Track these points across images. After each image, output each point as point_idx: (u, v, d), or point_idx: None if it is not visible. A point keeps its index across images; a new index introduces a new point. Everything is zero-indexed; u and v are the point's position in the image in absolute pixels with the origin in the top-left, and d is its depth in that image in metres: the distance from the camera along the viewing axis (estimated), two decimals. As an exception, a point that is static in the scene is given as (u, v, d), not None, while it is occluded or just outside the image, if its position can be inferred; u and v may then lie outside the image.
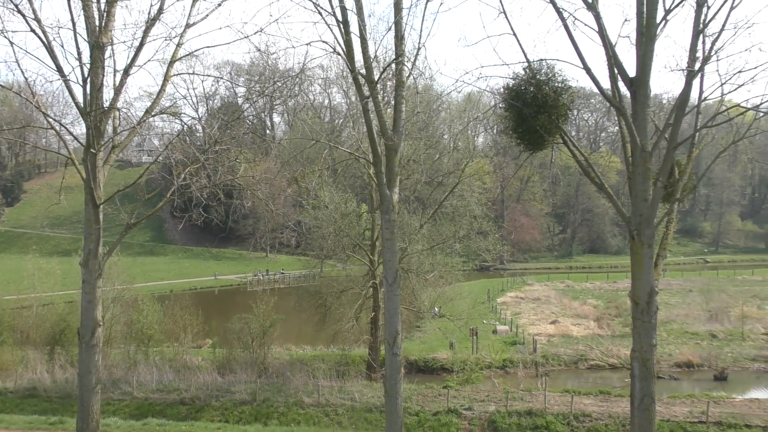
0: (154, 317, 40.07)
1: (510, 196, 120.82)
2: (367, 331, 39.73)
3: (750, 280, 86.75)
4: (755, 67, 16.09)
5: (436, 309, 47.89)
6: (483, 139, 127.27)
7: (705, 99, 17.65)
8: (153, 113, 17.90)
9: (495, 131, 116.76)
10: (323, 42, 16.34)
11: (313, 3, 16.30)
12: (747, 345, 48.23)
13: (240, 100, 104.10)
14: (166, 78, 17.42)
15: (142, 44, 17.06)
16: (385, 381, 18.92)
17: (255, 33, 16.40)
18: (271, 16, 15.16)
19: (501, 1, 16.53)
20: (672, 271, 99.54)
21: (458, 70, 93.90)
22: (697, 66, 16.44)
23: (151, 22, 16.21)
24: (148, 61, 17.37)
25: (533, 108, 16.96)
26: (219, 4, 17.32)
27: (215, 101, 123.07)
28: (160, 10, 16.34)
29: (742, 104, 17.51)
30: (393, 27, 17.61)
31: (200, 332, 42.98)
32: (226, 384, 34.81)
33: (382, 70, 17.88)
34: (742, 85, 16.67)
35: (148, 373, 35.57)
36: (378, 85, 17.99)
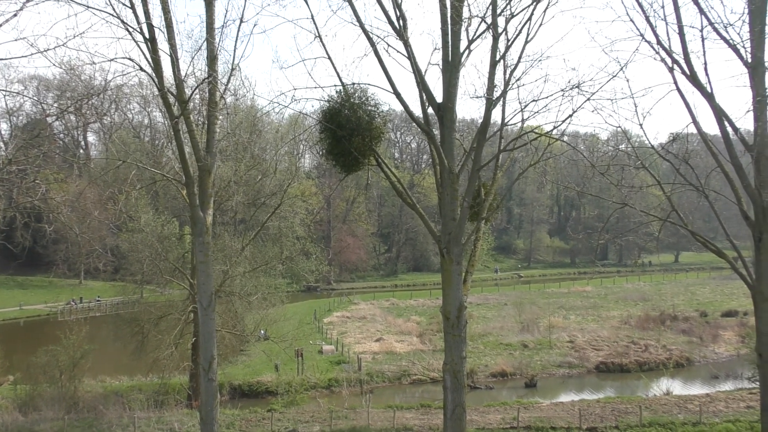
0: (-59, 356, 36.17)
1: (336, 216, 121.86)
2: (189, 357, 38.38)
3: (557, 292, 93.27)
4: (547, 97, 17.56)
5: (262, 331, 47.22)
6: (309, 161, 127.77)
7: (507, 124, 18.84)
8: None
9: (320, 153, 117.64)
10: (129, 59, 15.74)
11: (120, 19, 15.68)
12: (554, 353, 51.87)
13: (49, 118, 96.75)
14: (-50, 91, 15.90)
15: None
16: (201, 407, 18.39)
17: (55, 47, 15.37)
18: (68, 29, 14.28)
19: (316, 26, 16.79)
20: (489, 286, 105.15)
21: (275, 92, 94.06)
22: (497, 94, 17.61)
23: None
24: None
25: (347, 131, 17.32)
26: (14, 15, 16.09)
27: (20, 118, 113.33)
28: (-59, 19, 14.91)
29: (536, 130, 19.01)
30: (205, 47, 17.34)
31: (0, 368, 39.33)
32: (28, 423, 32.08)
33: (192, 89, 17.47)
34: (538, 112, 18.08)
35: (-67, 419, 32.04)
36: (192, 105, 17.63)
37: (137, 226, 38.78)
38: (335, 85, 17.57)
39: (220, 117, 19.04)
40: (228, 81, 18.23)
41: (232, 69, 17.80)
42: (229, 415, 33.88)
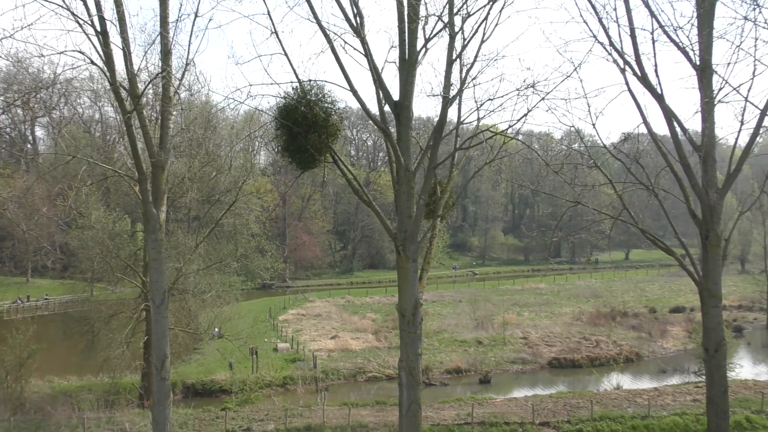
0: None
1: (292, 213, 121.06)
2: (141, 356, 37.79)
3: (511, 289, 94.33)
4: (503, 96, 17.69)
5: (216, 330, 46.75)
6: (264, 157, 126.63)
7: (463, 122, 18.90)
8: None
9: (275, 150, 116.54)
10: (80, 52, 15.36)
11: (69, 11, 15.29)
12: (507, 349, 52.59)
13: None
14: None
15: None
16: (153, 407, 18.12)
17: (1, 38, 14.89)
18: (15, 20, 13.88)
19: (272, 22, 16.56)
20: (445, 283, 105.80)
21: (230, 88, 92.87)
22: (453, 92, 17.66)
23: None
24: None
25: (304, 127, 17.16)
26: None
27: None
28: None
29: (491, 128, 19.16)
30: (158, 41, 17.02)
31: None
32: (-27, 425, 31.27)
33: (145, 84, 17.15)
34: (494, 111, 18.20)
35: None
36: (145, 100, 17.31)
37: (87, 222, 38.06)
38: (292, 82, 17.37)
39: (174, 112, 18.73)
40: (182, 76, 17.95)
41: (187, 64, 17.55)
42: (183, 415, 33.45)
